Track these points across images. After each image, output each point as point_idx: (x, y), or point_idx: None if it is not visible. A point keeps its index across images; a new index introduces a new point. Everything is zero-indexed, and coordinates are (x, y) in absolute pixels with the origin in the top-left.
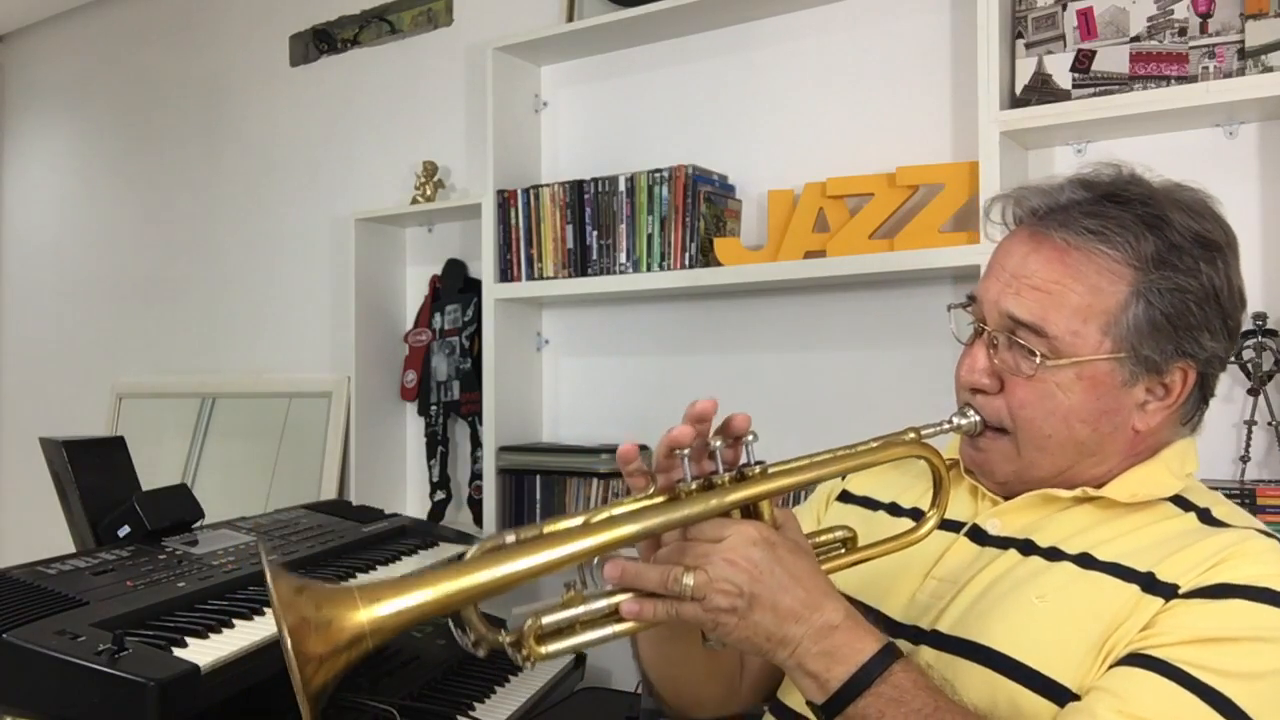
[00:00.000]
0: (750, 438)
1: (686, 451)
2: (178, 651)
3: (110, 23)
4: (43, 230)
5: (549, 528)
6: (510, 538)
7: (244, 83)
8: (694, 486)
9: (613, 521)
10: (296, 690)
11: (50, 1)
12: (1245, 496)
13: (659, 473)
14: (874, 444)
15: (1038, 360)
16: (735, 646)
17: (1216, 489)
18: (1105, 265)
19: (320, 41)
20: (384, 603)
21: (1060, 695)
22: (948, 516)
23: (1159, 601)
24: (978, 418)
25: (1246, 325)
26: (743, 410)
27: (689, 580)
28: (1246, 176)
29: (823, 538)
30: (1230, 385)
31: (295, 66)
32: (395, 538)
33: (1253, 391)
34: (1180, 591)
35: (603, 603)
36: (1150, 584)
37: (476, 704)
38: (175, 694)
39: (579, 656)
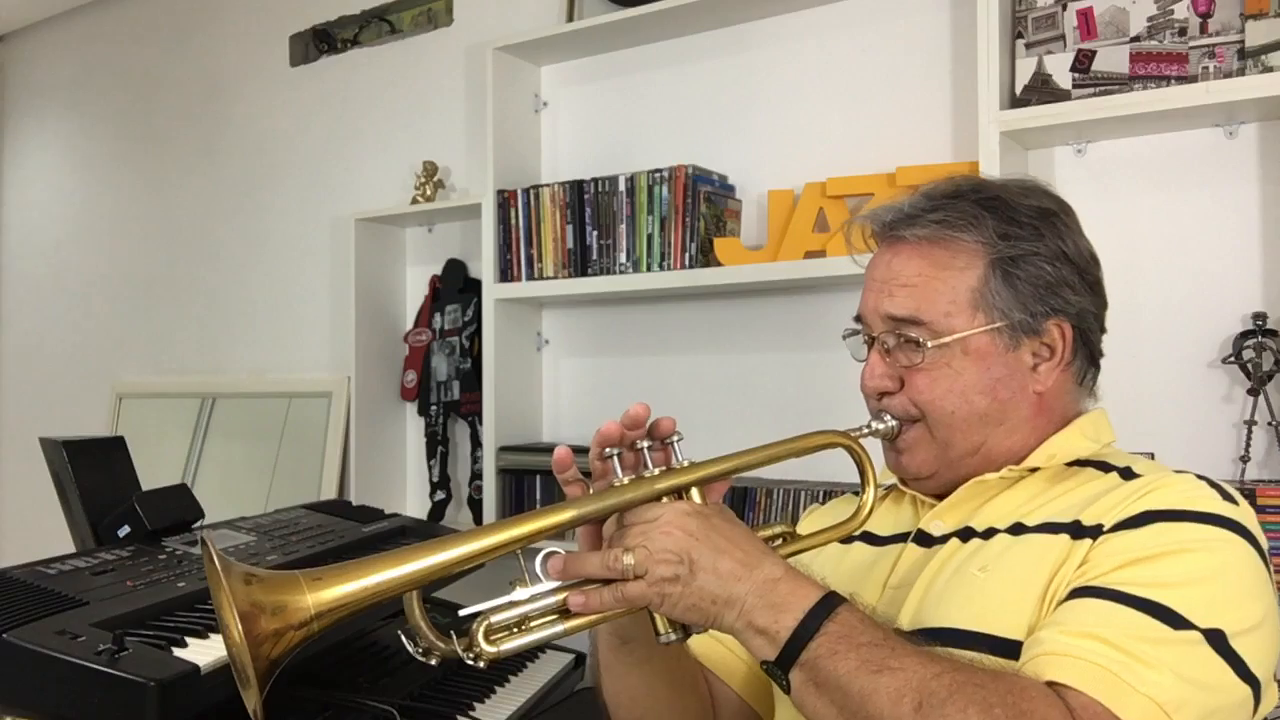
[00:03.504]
0: (676, 438)
1: (616, 451)
2: (178, 651)
3: (110, 22)
4: (43, 230)
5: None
6: None
7: (244, 83)
8: (625, 481)
9: (548, 510)
10: (244, 670)
11: (50, 1)
12: (1245, 497)
13: (595, 479)
14: (793, 438)
15: (923, 346)
16: (683, 618)
17: None
18: (958, 248)
19: (320, 41)
20: (328, 586)
21: (1017, 652)
22: (896, 531)
23: (1088, 543)
24: (893, 421)
25: (1246, 325)
26: (742, 410)
27: (629, 559)
28: (1246, 176)
29: (763, 533)
30: (1230, 385)
31: (295, 66)
32: (395, 538)
33: (1253, 391)
34: (1105, 528)
35: (550, 600)
36: (1078, 530)
37: (476, 704)
38: (175, 694)
39: (579, 656)
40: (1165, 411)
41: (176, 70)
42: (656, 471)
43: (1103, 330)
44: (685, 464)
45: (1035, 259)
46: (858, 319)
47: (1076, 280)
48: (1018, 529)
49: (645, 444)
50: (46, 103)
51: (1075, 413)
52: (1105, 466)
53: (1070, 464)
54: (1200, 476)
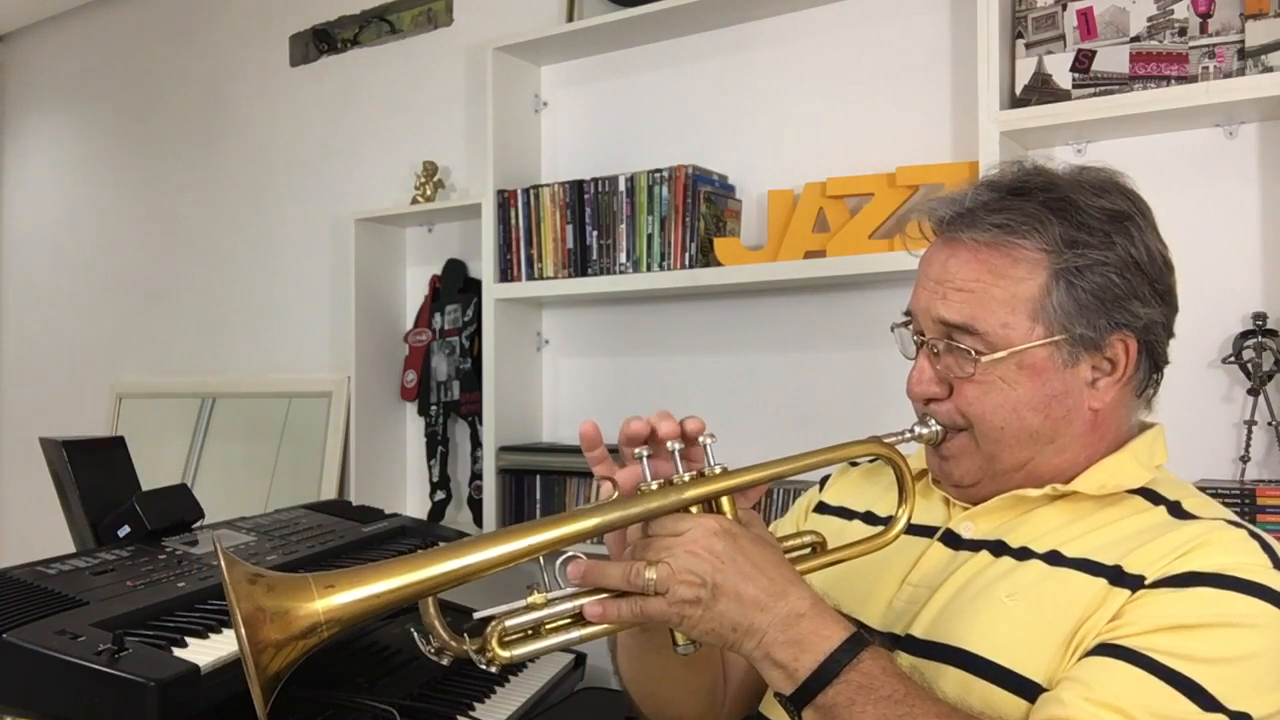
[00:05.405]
0: (709, 440)
1: (645, 452)
2: (178, 651)
3: (110, 23)
4: (43, 230)
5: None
6: None
7: (244, 83)
8: (654, 487)
9: (571, 516)
10: (249, 677)
11: (50, 1)
12: (1245, 496)
13: (624, 462)
14: (832, 446)
15: (976, 358)
16: (702, 639)
17: (1217, 489)
18: (1019, 256)
19: (320, 41)
20: (340, 592)
21: (1032, 692)
22: (923, 523)
23: (1126, 593)
24: (938, 426)
25: (1246, 325)
26: (742, 410)
27: (651, 574)
28: (1246, 176)
29: (791, 542)
30: (1230, 385)
31: (295, 66)
32: (395, 538)
33: (1253, 391)
34: (1147, 582)
35: (567, 605)
36: (1118, 576)
37: (476, 704)
38: (175, 694)
39: (579, 656)
40: (1165, 411)
41: (176, 70)
42: (687, 478)
43: (1170, 336)
44: (718, 470)
45: (1103, 269)
46: (908, 312)
47: (1147, 290)
48: (1054, 558)
49: (676, 446)
50: (47, 102)
51: (1130, 430)
52: (1155, 498)
53: None
54: (1254, 534)
